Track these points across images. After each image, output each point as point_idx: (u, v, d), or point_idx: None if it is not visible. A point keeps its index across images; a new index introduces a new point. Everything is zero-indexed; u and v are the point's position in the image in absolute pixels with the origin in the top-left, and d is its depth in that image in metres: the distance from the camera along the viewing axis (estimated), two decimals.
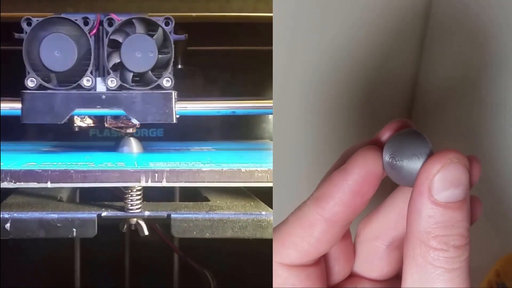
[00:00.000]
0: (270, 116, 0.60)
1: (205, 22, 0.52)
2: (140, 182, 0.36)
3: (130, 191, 0.37)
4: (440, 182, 0.23)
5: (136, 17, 0.42)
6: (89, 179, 0.36)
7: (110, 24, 0.41)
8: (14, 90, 0.42)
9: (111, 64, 0.42)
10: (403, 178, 0.24)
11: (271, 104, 0.45)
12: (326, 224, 0.25)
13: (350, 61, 0.48)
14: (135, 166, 0.37)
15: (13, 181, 0.35)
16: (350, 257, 0.28)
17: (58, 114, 0.41)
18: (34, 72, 0.41)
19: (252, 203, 0.41)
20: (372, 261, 0.28)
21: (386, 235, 0.28)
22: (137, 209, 0.38)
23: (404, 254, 0.24)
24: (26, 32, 0.41)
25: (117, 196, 0.40)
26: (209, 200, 0.42)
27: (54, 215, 0.36)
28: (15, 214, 0.36)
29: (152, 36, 0.41)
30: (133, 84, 0.42)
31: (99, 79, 0.42)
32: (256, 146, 0.56)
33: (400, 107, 0.52)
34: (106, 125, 0.45)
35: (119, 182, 0.36)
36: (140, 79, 0.42)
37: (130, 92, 0.42)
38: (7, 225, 0.36)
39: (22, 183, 0.35)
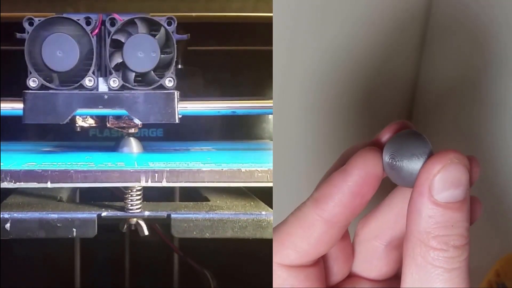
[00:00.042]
0: (270, 116, 0.60)
1: (205, 22, 0.52)
2: (140, 182, 0.36)
3: (130, 191, 0.37)
4: (441, 183, 0.23)
5: (139, 17, 0.41)
6: (89, 179, 0.36)
7: (112, 24, 0.41)
8: (15, 90, 0.42)
9: (113, 64, 0.41)
10: (403, 179, 0.24)
11: (271, 104, 0.45)
12: (325, 225, 0.25)
13: (350, 61, 0.48)
14: (135, 166, 0.37)
15: (13, 181, 0.35)
16: (349, 257, 0.29)
17: (60, 114, 0.41)
18: (36, 72, 0.41)
19: (252, 203, 0.41)
20: (370, 261, 0.29)
21: (385, 235, 0.28)
22: (137, 209, 0.38)
23: (403, 254, 0.24)
24: (28, 32, 0.41)
25: (117, 196, 0.40)
26: (209, 200, 0.42)
27: (54, 215, 0.36)
28: (15, 214, 0.36)
29: (154, 36, 0.41)
30: (135, 84, 0.42)
31: (101, 79, 0.42)
32: (256, 146, 0.56)
33: (400, 107, 0.52)
34: (108, 125, 0.45)
35: (119, 182, 0.36)
36: (142, 79, 0.42)
37: (132, 92, 0.42)
38: (7, 225, 0.36)
39: (22, 183, 0.35)
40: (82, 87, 0.42)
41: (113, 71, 0.42)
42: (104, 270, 0.60)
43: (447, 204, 0.23)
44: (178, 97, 0.42)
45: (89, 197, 0.43)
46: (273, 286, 0.26)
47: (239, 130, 0.62)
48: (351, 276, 0.29)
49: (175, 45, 0.42)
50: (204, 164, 0.38)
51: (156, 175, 0.36)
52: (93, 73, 0.42)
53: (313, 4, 0.45)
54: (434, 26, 0.49)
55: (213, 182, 0.37)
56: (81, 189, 0.48)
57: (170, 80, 0.42)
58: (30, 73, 0.41)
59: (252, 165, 0.37)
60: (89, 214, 0.37)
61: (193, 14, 0.50)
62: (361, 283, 0.29)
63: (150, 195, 0.39)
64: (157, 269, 0.60)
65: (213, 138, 0.61)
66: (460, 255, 0.23)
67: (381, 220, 0.28)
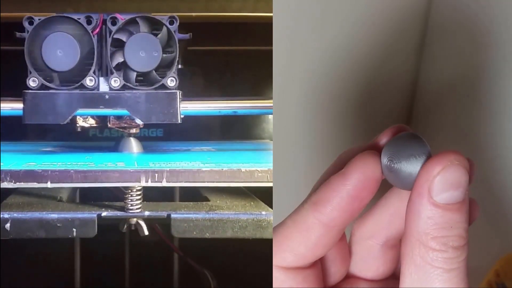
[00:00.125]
0: (270, 116, 0.60)
1: (205, 22, 0.52)
2: (140, 182, 0.36)
3: (130, 191, 0.37)
4: (440, 184, 0.23)
5: (140, 16, 0.41)
6: (89, 179, 0.36)
7: (114, 23, 0.41)
8: (15, 90, 0.42)
9: (114, 64, 0.41)
10: (402, 181, 0.24)
11: (271, 104, 0.45)
12: (323, 229, 0.25)
13: (350, 61, 0.48)
14: (135, 166, 0.37)
15: (13, 181, 0.35)
16: (346, 258, 0.29)
17: (60, 114, 0.41)
18: (36, 72, 0.41)
19: (252, 203, 0.41)
20: (367, 261, 0.29)
21: (380, 234, 0.28)
22: (137, 209, 0.38)
23: (402, 254, 0.24)
24: (27, 31, 0.40)
25: (117, 196, 0.40)
26: (209, 200, 0.42)
27: (54, 215, 0.36)
28: (15, 214, 0.36)
29: (156, 35, 0.41)
30: (137, 84, 0.42)
31: (102, 79, 0.42)
32: (256, 146, 0.56)
33: (400, 107, 0.53)
34: (109, 125, 0.44)
35: (119, 182, 0.36)
36: (144, 78, 0.42)
37: (134, 92, 0.42)
38: (7, 225, 0.36)
39: (22, 183, 0.35)
40: (82, 87, 0.41)
41: (114, 71, 0.41)
42: (104, 270, 0.60)
43: (446, 205, 0.23)
44: (180, 97, 0.42)
45: (89, 197, 0.43)
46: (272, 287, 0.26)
47: (239, 130, 0.62)
48: (348, 276, 0.29)
49: (177, 45, 0.42)
50: (204, 164, 0.38)
51: (156, 175, 0.36)
52: (94, 72, 0.41)
53: (313, 4, 0.45)
54: (434, 26, 0.49)
55: (213, 182, 0.36)
56: (81, 189, 0.48)
57: (172, 80, 0.42)
58: (30, 72, 0.41)
59: (252, 165, 0.37)
60: (89, 214, 0.37)
61: (193, 14, 0.50)
62: (359, 284, 0.29)
63: (150, 195, 0.39)
64: (157, 269, 0.60)
65: (213, 138, 0.61)
66: (459, 256, 0.23)
67: (376, 220, 0.28)
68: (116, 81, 0.41)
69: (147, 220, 0.38)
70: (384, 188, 0.27)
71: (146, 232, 0.38)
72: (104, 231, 0.37)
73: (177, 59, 0.42)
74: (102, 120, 0.45)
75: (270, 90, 0.46)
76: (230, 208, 0.39)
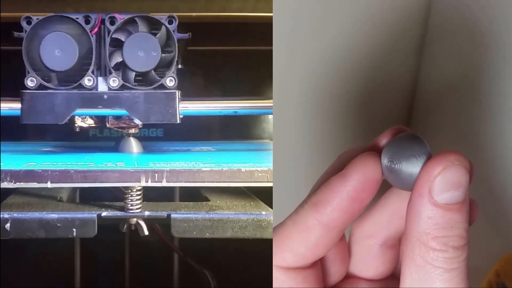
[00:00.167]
0: (270, 116, 0.60)
1: (205, 22, 0.52)
2: (140, 182, 0.36)
3: (130, 191, 0.37)
4: (441, 184, 0.23)
5: (139, 16, 0.41)
6: (89, 179, 0.36)
7: (112, 23, 0.41)
8: (15, 90, 0.42)
9: (113, 63, 0.41)
10: (402, 182, 0.24)
11: (271, 104, 0.45)
12: (323, 229, 0.25)
13: (350, 61, 0.48)
14: (135, 166, 0.37)
15: (13, 181, 0.35)
16: (346, 258, 0.29)
17: (59, 114, 0.41)
18: (34, 72, 0.41)
19: (252, 203, 0.41)
20: (366, 260, 0.29)
21: (379, 234, 0.28)
22: (137, 209, 0.38)
23: (403, 254, 0.24)
24: (25, 31, 0.40)
25: (117, 196, 0.40)
26: (209, 200, 0.42)
27: (54, 215, 0.36)
28: (15, 214, 0.36)
29: (155, 35, 0.41)
30: (136, 83, 0.42)
31: (100, 79, 0.42)
32: (256, 146, 0.56)
33: (400, 107, 0.52)
34: (108, 125, 0.44)
35: (119, 182, 0.36)
36: (143, 78, 0.42)
37: (133, 92, 0.41)
38: (7, 225, 0.36)
39: (22, 183, 0.35)
40: (81, 86, 0.41)
41: (113, 71, 0.41)
42: (104, 270, 0.60)
43: (447, 205, 0.23)
44: (179, 96, 0.42)
45: (89, 197, 0.43)
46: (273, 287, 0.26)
47: (239, 130, 0.62)
48: (348, 276, 0.29)
49: (176, 44, 0.42)
50: (204, 164, 0.38)
51: (156, 175, 0.36)
52: (93, 72, 0.41)
53: (313, 4, 0.45)
54: (434, 26, 0.49)
55: (213, 182, 0.36)
56: (81, 189, 0.48)
57: (171, 80, 0.42)
58: (28, 72, 0.41)
59: (252, 165, 0.37)
60: (89, 214, 0.37)
61: (193, 14, 0.50)
62: (358, 283, 0.29)
63: (150, 195, 0.39)
64: (157, 269, 0.60)
65: (213, 138, 0.61)
66: (459, 256, 0.23)
67: (376, 220, 0.28)
68: (114, 81, 0.41)
69: (147, 220, 0.38)
70: (383, 188, 0.27)
71: (146, 232, 0.38)
72: (104, 231, 0.37)
73: (176, 59, 0.42)
74: (100, 120, 0.44)
75: (270, 90, 0.46)
76: (230, 208, 0.39)
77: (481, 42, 0.44)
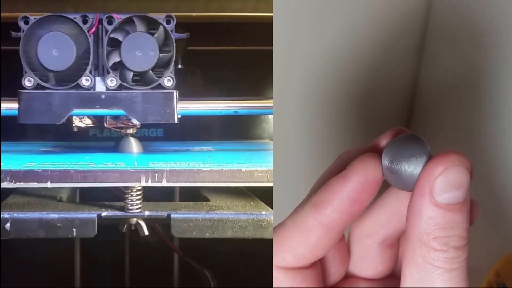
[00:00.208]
0: (270, 116, 0.60)
1: (205, 22, 0.52)
2: (140, 182, 0.36)
3: (130, 191, 0.37)
4: (442, 184, 0.23)
5: (137, 15, 0.41)
6: (89, 179, 0.36)
7: (110, 22, 0.41)
8: (15, 90, 0.42)
9: (110, 63, 0.41)
10: (403, 182, 0.24)
11: (271, 104, 0.45)
12: (323, 230, 0.25)
13: (350, 61, 0.48)
14: (135, 166, 0.37)
15: (13, 181, 0.35)
16: (345, 257, 0.29)
17: (56, 114, 0.41)
18: (32, 72, 0.40)
19: (252, 203, 0.41)
20: (366, 260, 0.29)
21: (378, 233, 0.28)
22: (137, 209, 0.38)
23: (403, 254, 0.24)
24: (23, 31, 0.40)
25: (117, 196, 0.40)
26: (209, 200, 0.42)
27: (54, 215, 0.36)
28: (15, 214, 0.36)
29: (153, 34, 0.41)
30: (133, 83, 0.41)
31: (98, 79, 0.42)
32: (256, 146, 0.56)
33: (400, 107, 0.53)
34: (105, 125, 0.44)
35: (119, 182, 0.36)
36: (141, 78, 0.42)
37: (130, 91, 0.41)
38: (7, 225, 0.36)
39: (22, 183, 0.35)
40: (78, 86, 0.41)
41: (111, 71, 0.41)
42: (104, 270, 0.60)
43: (448, 205, 0.23)
44: (177, 96, 0.42)
45: (89, 197, 0.43)
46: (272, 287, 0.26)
47: (239, 130, 0.62)
48: (348, 276, 0.29)
49: (174, 44, 0.41)
50: (204, 164, 0.38)
51: (156, 175, 0.36)
52: (90, 72, 0.41)
53: (313, 4, 0.45)
54: (434, 26, 0.49)
55: (213, 182, 0.36)
56: (81, 189, 0.48)
57: (169, 80, 0.42)
58: (26, 72, 0.40)
59: (252, 165, 0.37)
60: (89, 214, 0.37)
61: (193, 14, 0.50)
62: (358, 283, 0.29)
63: (150, 195, 0.39)
64: (157, 269, 0.60)
65: (213, 138, 0.61)
66: (460, 256, 0.23)
67: (374, 219, 0.28)
68: (112, 81, 0.41)
69: (147, 220, 0.38)
70: (382, 188, 0.27)
71: (146, 232, 0.38)
72: (104, 231, 0.37)
73: (173, 58, 0.42)
74: (98, 120, 0.44)
75: (270, 90, 0.46)
76: (230, 208, 0.39)
77: (481, 42, 0.44)
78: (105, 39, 0.41)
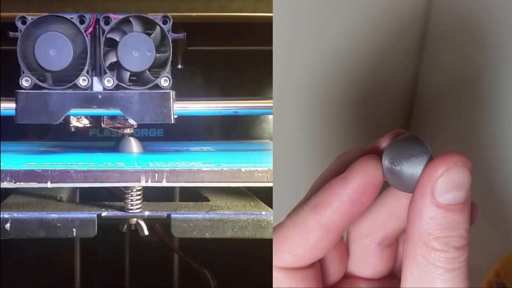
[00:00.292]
0: (270, 116, 0.60)
1: (205, 22, 0.52)
2: (140, 182, 0.36)
3: (130, 191, 0.37)
4: (444, 185, 0.23)
5: (133, 15, 0.41)
6: (89, 179, 0.36)
7: (107, 23, 0.41)
8: (15, 90, 0.42)
9: (107, 63, 0.41)
10: (403, 183, 0.24)
11: (271, 104, 0.45)
12: (322, 231, 0.25)
13: (350, 61, 0.48)
14: (135, 166, 0.37)
15: (13, 181, 0.35)
16: (344, 257, 0.29)
17: (54, 114, 0.41)
18: (29, 72, 0.40)
19: (252, 203, 0.41)
20: (364, 259, 0.29)
21: (377, 233, 0.28)
22: (137, 209, 0.38)
23: (404, 254, 0.24)
24: (20, 31, 0.40)
25: (117, 196, 0.40)
26: (209, 200, 0.42)
27: (54, 215, 0.36)
28: (15, 214, 0.36)
29: (149, 34, 0.41)
30: (130, 83, 0.41)
31: (95, 79, 0.42)
32: (256, 146, 0.56)
33: (400, 107, 0.53)
34: (102, 125, 0.44)
35: (119, 182, 0.36)
36: (138, 78, 0.42)
37: (127, 92, 0.41)
38: (7, 225, 0.36)
39: (22, 183, 0.35)
40: (76, 86, 0.41)
41: (108, 71, 0.41)
42: (104, 270, 0.60)
43: (449, 206, 0.23)
44: (174, 97, 0.42)
45: (89, 197, 0.43)
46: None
47: (239, 130, 0.62)
48: (347, 276, 0.29)
49: (171, 44, 0.41)
50: (204, 164, 0.38)
51: (156, 175, 0.36)
52: (87, 72, 0.41)
53: (313, 4, 0.45)
54: (434, 26, 0.49)
55: (213, 182, 0.36)
56: (81, 189, 0.48)
57: (165, 80, 0.42)
58: (23, 72, 0.40)
59: (252, 165, 0.37)
60: (89, 214, 0.37)
61: (193, 14, 0.50)
62: (357, 283, 0.29)
63: (150, 195, 0.39)
64: (157, 269, 0.60)
65: (213, 138, 0.61)
66: (460, 256, 0.23)
67: (373, 219, 0.28)
68: (109, 81, 0.41)
69: (147, 220, 0.38)
70: (381, 188, 0.27)
71: (146, 232, 0.38)
72: (104, 231, 0.37)
73: (170, 59, 0.42)
74: (95, 120, 0.44)
75: (270, 90, 0.46)
76: (230, 208, 0.39)
77: (481, 42, 0.44)
78: (102, 39, 0.41)
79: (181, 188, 0.53)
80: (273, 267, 0.26)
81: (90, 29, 0.41)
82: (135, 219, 0.38)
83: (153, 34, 0.41)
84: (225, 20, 0.51)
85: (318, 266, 0.27)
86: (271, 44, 0.44)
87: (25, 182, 0.35)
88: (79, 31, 0.41)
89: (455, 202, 0.23)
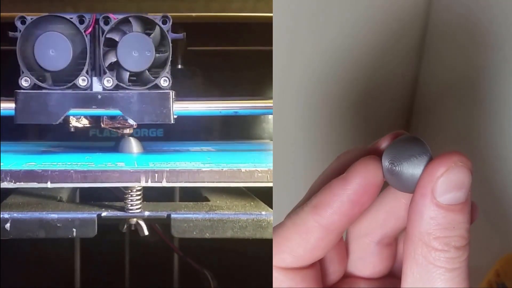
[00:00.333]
0: (270, 116, 0.60)
1: (205, 22, 0.52)
2: (140, 182, 0.36)
3: (130, 191, 0.37)
4: (444, 185, 0.23)
5: (133, 15, 0.41)
6: (89, 179, 0.36)
7: (106, 23, 0.41)
8: (14, 90, 0.42)
9: (107, 63, 0.41)
10: (403, 183, 0.24)
11: (271, 104, 0.45)
12: (322, 232, 0.25)
13: (350, 61, 0.48)
14: (135, 166, 0.37)
15: (13, 181, 0.35)
16: (344, 257, 0.29)
17: (53, 114, 0.41)
18: (29, 72, 0.40)
19: (252, 203, 0.41)
20: (364, 259, 0.29)
21: (376, 232, 0.28)
22: (137, 209, 0.38)
23: (404, 254, 0.24)
24: (20, 31, 0.40)
25: (117, 196, 0.40)
26: (209, 200, 0.42)
27: (54, 215, 0.36)
28: (15, 214, 0.36)
29: (149, 34, 0.41)
30: (130, 83, 0.41)
31: (95, 79, 0.42)
32: (256, 146, 0.56)
33: (400, 107, 0.52)
34: (102, 125, 0.44)
35: (119, 182, 0.36)
36: (137, 78, 0.42)
37: (127, 92, 0.41)
38: (7, 225, 0.36)
39: (22, 183, 0.35)
40: (75, 86, 0.41)
41: (107, 71, 0.41)
42: (104, 270, 0.60)
43: (449, 206, 0.23)
44: (173, 97, 0.42)
45: (89, 197, 0.43)
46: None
47: (239, 130, 0.62)
48: (347, 276, 0.29)
49: (170, 44, 0.41)
50: (204, 164, 0.38)
51: (156, 175, 0.36)
52: (87, 72, 0.41)
53: (313, 4, 0.45)
54: (434, 26, 0.49)
55: (213, 182, 0.36)
56: (81, 189, 0.48)
57: (165, 80, 0.42)
58: (22, 72, 0.40)
59: (252, 165, 0.37)
60: (89, 214, 0.37)
61: (193, 14, 0.50)
62: (357, 283, 0.29)
63: (150, 195, 0.39)
64: (157, 269, 0.60)
65: (213, 138, 0.61)
66: (460, 256, 0.23)
67: (372, 218, 0.28)
68: (109, 81, 0.41)
69: (147, 220, 0.38)
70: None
71: (146, 232, 0.38)
72: (104, 231, 0.37)
73: (170, 59, 0.42)
74: (95, 120, 0.44)
75: (270, 90, 0.46)
76: (230, 208, 0.39)
77: (481, 42, 0.44)
78: (102, 39, 0.41)
79: (181, 188, 0.53)
80: (273, 267, 0.26)
81: (90, 29, 0.41)
82: (135, 219, 0.38)
83: (152, 34, 0.41)
84: (225, 20, 0.51)
85: (318, 266, 0.27)
86: (271, 44, 0.44)
87: (25, 182, 0.35)
88: (79, 31, 0.41)
89: (455, 202, 0.23)
